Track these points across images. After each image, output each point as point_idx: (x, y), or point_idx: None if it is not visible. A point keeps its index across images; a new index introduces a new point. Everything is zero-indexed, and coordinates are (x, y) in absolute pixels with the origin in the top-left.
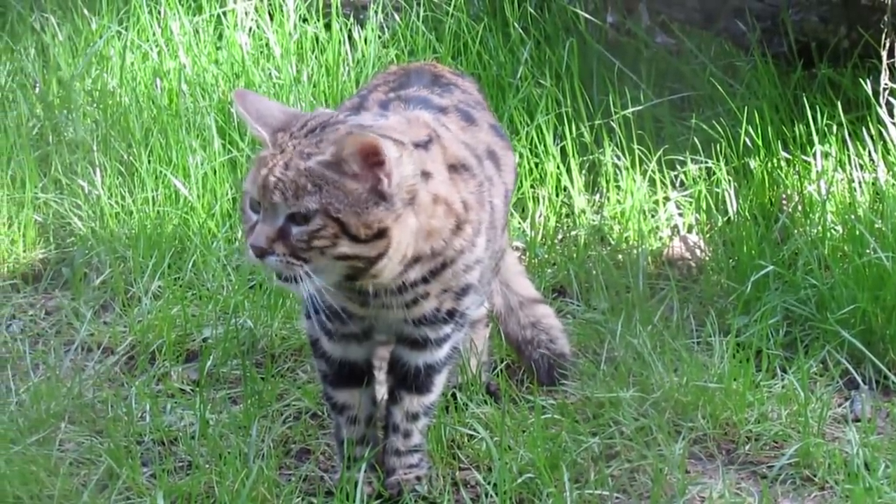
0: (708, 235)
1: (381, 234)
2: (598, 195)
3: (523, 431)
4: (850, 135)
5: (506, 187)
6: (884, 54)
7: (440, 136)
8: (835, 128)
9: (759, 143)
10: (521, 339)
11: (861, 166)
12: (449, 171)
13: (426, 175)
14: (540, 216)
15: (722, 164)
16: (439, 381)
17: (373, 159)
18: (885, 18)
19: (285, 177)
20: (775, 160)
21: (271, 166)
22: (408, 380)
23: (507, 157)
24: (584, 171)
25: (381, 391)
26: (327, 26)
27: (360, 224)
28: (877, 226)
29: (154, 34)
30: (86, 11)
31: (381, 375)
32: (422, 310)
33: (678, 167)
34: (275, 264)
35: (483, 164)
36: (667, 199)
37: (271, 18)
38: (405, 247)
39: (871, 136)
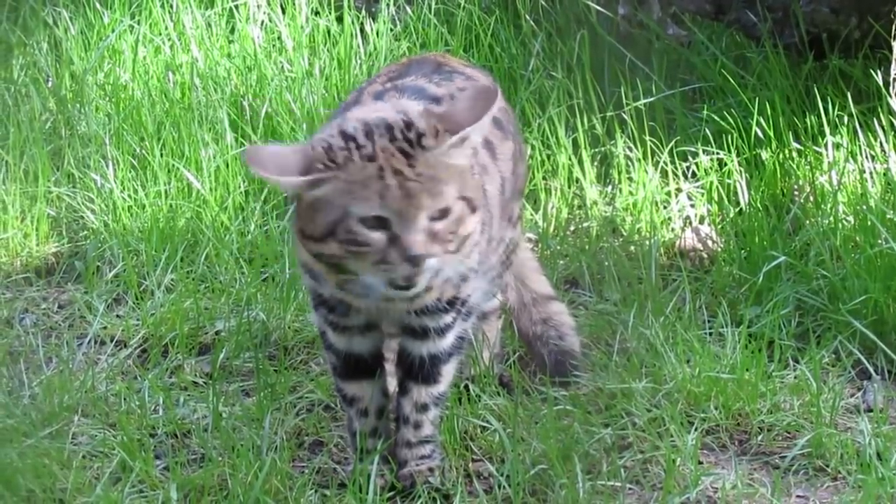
0: (720, 226)
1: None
2: (610, 187)
3: (536, 423)
4: (861, 125)
5: (501, 175)
6: (894, 45)
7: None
8: (846, 118)
9: (771, 134)
10: (532, 334)
11: (872, 157)
12: None
13: None
14: (552, 208)
15: (733, 155)
16: (447, 372)
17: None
18: None
19: (421, 176)
20: (787, 151)
21: (392, 173)
22: (413, 370)
23: (504, 146)
24: (595, 163)
25: (393, 383)
26: (339, 19)
27: (478, 193)
28: (888, 216)
29: (166, 28)
30: (98, 5)
31: (389, 366)
32: (422, 300)
33: (690, 158)
34: (436, 265)
35: (478, 152)
36: (679, 190)
37: (283, 12)
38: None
39: (883, 127)
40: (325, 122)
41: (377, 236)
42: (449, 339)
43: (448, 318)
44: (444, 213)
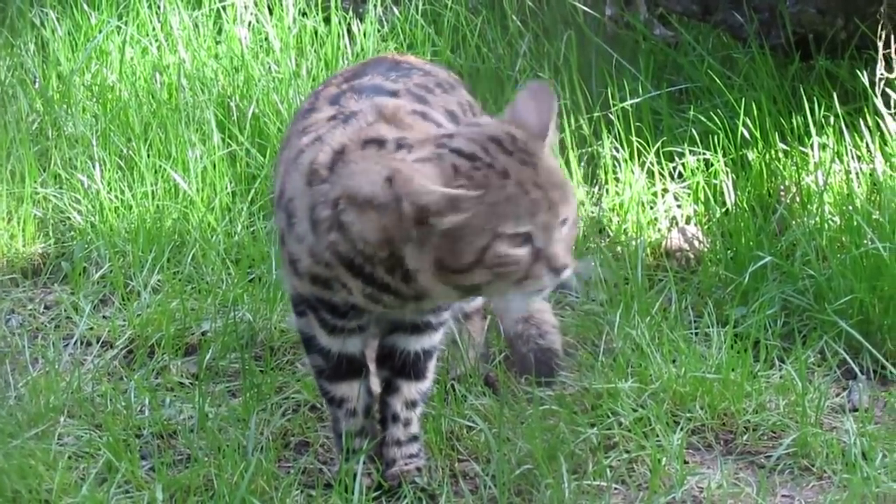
0: (706, 227)
1: None
2: (596, 187)
3: (522, 423)
4: (847, 126)
5: None
6: (880, 45)
7: (424, 112)
8: (832, 119)
9: (757, 134)
10: (514, 333)
11: (858, 157)
12: None
13: None
14: None
15: (720, 155)
16: (433, 367)
17: None
18: (882, 10)
19: (551, 184)
20: (773, 151)
21: (534, 187)
22: (405, 367)
23: None
24: (582, 164)
25: (376, 382)
26: (326, 20)
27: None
28: (874, 216)
29: (153, 29)
30: (85, 6)
31: (371, 366)
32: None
33: (676, 159)
34: (571, 274)
35: None
36: (665, 190)
37: (270, 13)
38: None
39: (869, 127)
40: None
41: (522, 253)
42: (440, 334)
43: (447, 314)
44: (569, 219)
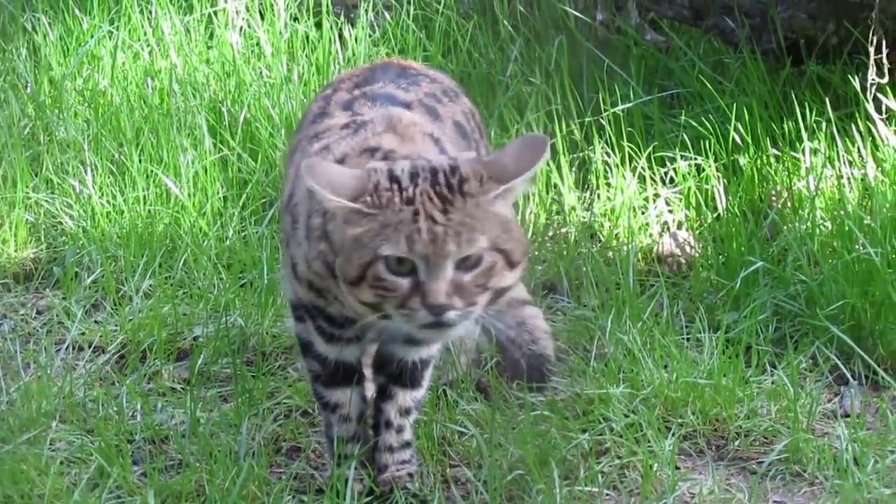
0: (698, 232)
1: (525, 254)
2: (588, 192)
3: (513, 428)
4: (838, 131)
5: None
6: (871, 50)
7: (438, 137)
8: (824, 124)
9: (749, 139)
10: (506, 338)
11: (850, 162)
12: None
13: None
14: (530, 213)
15: (711, 160)
16: (428, 375)
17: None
18: (873, 15)
19: (451, 222)
20: (764, 157)
21: (424, 217)
22: (403, 376)
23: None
24: (574, 169)
25: (370, 388)
26: (318, 25)
27: (518, 247)
28: (866, 222)
29: (145, 34)
30: (77, 11)
31: (367, 372)
32: None
33: (668, 164)
34: (454, 318)
35: None
36: (657, 195)
37: (262, 17)
38: None
39: (860, 133)
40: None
41: (402, 282)
42: (439, 344)
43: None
44: (473, 263)
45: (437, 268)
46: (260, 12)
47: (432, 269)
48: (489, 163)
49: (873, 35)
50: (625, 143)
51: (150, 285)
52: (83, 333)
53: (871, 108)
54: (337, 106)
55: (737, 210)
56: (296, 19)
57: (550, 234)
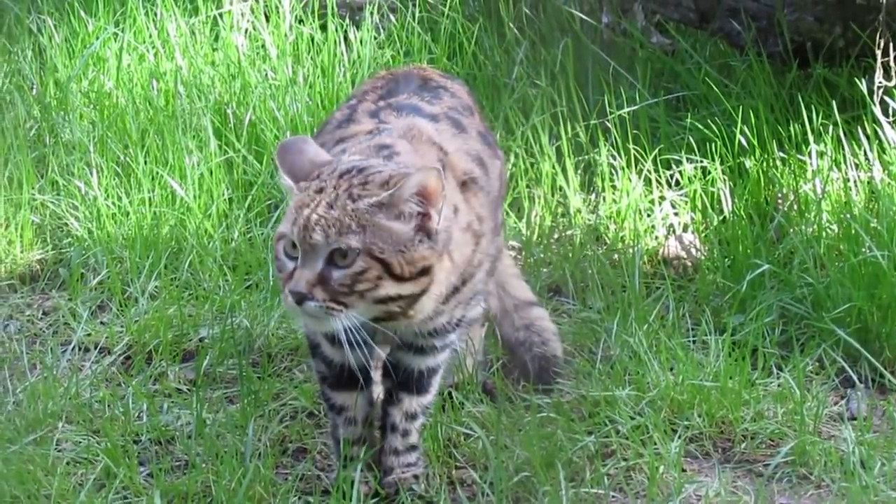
0: (703, 234)
1: (425, 271)
2: (593, 195)
3: (519, 430)
4: (845, 134)
5: (491, 194)
6: (878, 53)
7: (447, 152)
8: (830, 127)
9: (755, 142)
10: (515, 340)
11: (856, 165)
12: (461, 189)
13: (456, 210)
14: (536, 216)
15: (717, 163)
16: (437, 382)
17: (431, 198)
18: (880, 18)
19: (329, 215)
20: (771, 159)
21: (313, 206)
22: (409, 383)
23: (493, 164)
24: (579, 171)
25: (377, 391)
26: (323, 27)
27: (404, 262)
28: (872, 225)
29: (150, 36)
30: (83, 13)
31: (376, 375)
32: (434, 324)
33: (674, 166)
34: (314, 310)
35: (484, 169)
36: (662, 198)
37: (267, 20)
38: (444, 285)
39: (867, 135)
40: (311, 134)
41: (289, 265)
42: (447, 353)
43: (453, 336)
44: (345, 265)
45: (307, 257)
46: (265, 14)
47: (303, 257)
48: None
49: (880, 38)
50: (630, 146)
51: (156, 287)
52: (89, 334)
53: (877, 111)
54: (364, 114)
55: (743, 213)
56: (301, 21)
57: (556, 236)
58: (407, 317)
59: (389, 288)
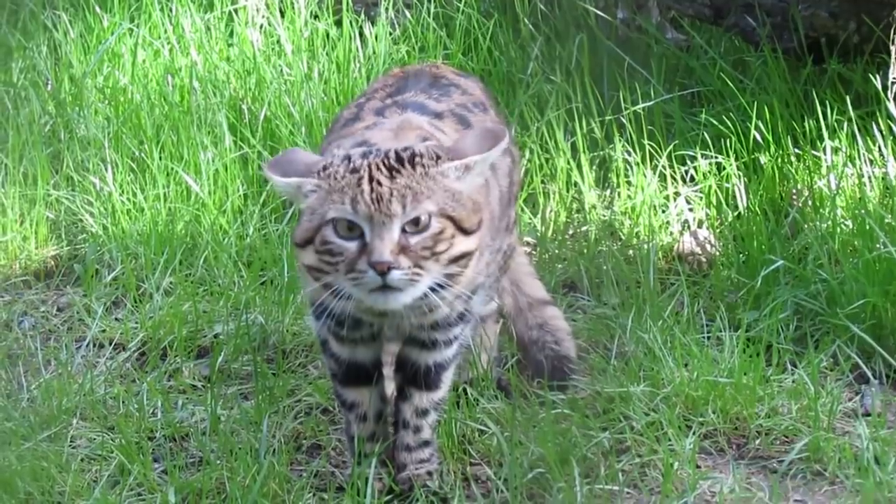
0: (718, 230)
1: (480, 223)
2: (608, 190)
3: (534, 426)
4: (859, 130)
5: (500, 191)
6: (893, 49)
7: (437, 138)
8: (845, 123)
9: (769, 138)
10: (528, 339)
11: (871, 161)
12: None
13: None
14: (550, 211)
15: (732, 159)
16: (447, 378)
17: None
18: (895, 13)
19: (397, 185)
20: (785, 155)
21: (371, 182)
22: (417, 378)
23: (502, 162)
24: (594, 167)
25: (391, 387)
26: (338, 23)
27: (470, 214)
28: (887, 221)
29: (165, 31)
30: (98, 9)
31: (389, 371)
32: (435, 316)
33: (688, 162)
34: (399, 279)
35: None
36: (677, 194)
37: (282, 15)
38: (484, 240)
39: (881, 131)
40: (325, 129)
41: (350, 245)
42: (454, 348)
43: (457, 330)
44: (419, 227)
45: (382, 227)
46: (280, 10)
47: (377, 229)
48: (448, 147)
49: (895, 33)
50: (645, 142)
51: (171, 283)
52: (104, 331)
53: (892, 106)
54: (369, 112)
55: (757, 209)
56: (316, 17)
57: (571, 232)
58: (457, 282)
59: (461, 244)
